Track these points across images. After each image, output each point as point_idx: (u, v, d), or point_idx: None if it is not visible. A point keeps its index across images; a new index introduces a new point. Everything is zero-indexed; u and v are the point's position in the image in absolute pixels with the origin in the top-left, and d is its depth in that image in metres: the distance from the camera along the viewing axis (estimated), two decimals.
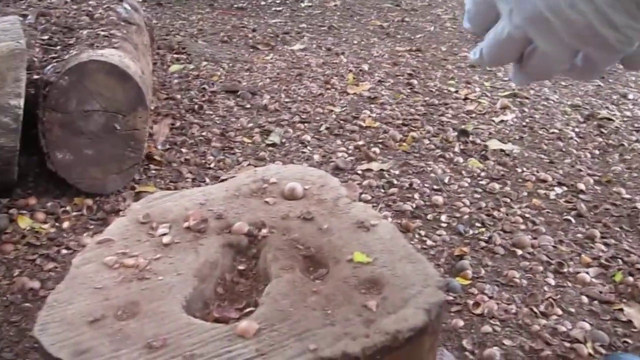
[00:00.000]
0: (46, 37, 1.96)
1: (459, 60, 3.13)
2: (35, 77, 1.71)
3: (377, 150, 2.13)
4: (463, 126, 2.34)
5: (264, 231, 0.92)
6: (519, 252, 1.62)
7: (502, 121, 2.44)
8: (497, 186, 1.94)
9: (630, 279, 1.53)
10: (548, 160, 2.15)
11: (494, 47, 0.53)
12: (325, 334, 0.72)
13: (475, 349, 1.30)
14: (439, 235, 1.69)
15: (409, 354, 0.74)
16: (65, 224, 1.64)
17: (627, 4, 0.46)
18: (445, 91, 2.70)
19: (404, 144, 2.19)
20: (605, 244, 1.68)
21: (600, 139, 2.33)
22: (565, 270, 1.56)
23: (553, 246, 1.66)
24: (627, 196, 1.94)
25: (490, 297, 1.45)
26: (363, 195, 1.84)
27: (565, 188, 1.97)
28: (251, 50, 3.15)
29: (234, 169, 1.96)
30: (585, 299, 1.47)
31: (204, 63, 2.88)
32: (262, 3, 4.11)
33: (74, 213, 1.69)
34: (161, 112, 2.30)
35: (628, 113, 2.60)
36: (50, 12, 2.17)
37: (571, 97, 2.73)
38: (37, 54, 1.83)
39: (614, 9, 0.45)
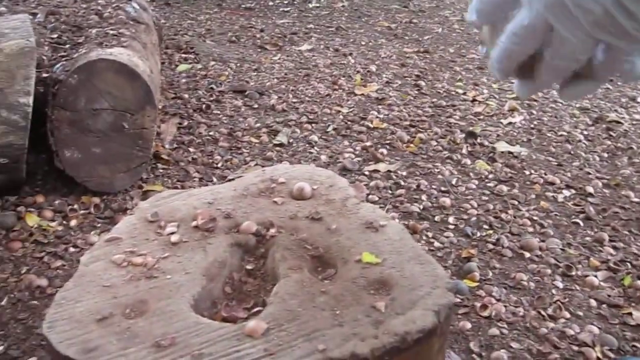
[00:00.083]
0: (55, 36, 1.97)
1: (467, 62, 3.12)
2: (45, 75, 1.71)
3: (385, 151, 2.13)
4: (471, 128, 2.34)
5: (272, 231, 0.91)
6: (527, 254, 1.61)
7: (510, 123, 2.43)
8: (505, 188, 1.94)
9: (639, 282, 1.52)
10: (556, 163, 2.14)
11: (514, 38, 0.52)
12: (334, 334, 0.72)
13: (482, 351, 1.30)
14: (447, 237, 1.68)
15: (417, 355, 0.74)
16: (73, 222, 1.64)
17: None
18: (453, 93, 2.69)
19: (412, 145, 2.19)
20: (614, 247, 1.67)
21: (609, 142, 2.32)
22: (573, 273, 1.55)
23: (561, 249, 1.65)
24: (636, 199, 1.93)
25: (498, 300, 1.45)
26: (370, 196, 1.83)
27: (573, 191, 1.96)
28: (259, 50, 3.15)
29: (241, 168, 1.96)
30: (593, 303, 1.46)
31: (212, 63, 2.88)
32: (270, 3, 4.12)
33: (82, 211, 1.69)
34: (169, 112, 2.30)
35: (637, 116, 2.58)
36: (60, 10, 2.18)
37: (579, 99, 2.72)
38: (46, 52, 1.84)
39: None
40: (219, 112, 2.37)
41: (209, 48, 3.10)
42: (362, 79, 2.77)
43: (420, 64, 3.03)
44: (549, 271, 1.55)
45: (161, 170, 1.92)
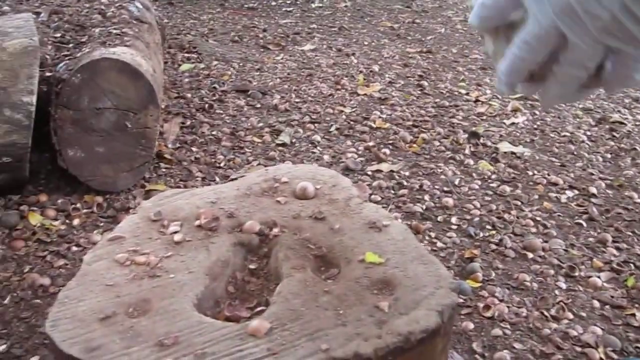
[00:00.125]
0: (59, 35, 1.97)
1: (470, 62, 3.12)
2: (48, 74, 1.71)
3: (387, 151, 2.12)
4: (474, 128, 2.33)
5: (275, 230, 0.91)
6: (530, 255, 1.61)
7: (513, 124, 2.42)
8: (507, 189, 1.93)
9: None
10: (559, 164, 2.14)
11: (525, 46, 0.52)
12: (337, 334, 0.72)
13: (485, 352, 1.29)
14: (449, 237, 1.68)
15: (421, 355, 0.74)
16: (76, 221, 1.64)
17: None
18: (456, 93, 2.69)
19: (415, 145, 2.19)
20: (617, 249, 1.67)
21: (612, 143, 2.31)
22: (576, 274, 1.55)
23: (564, 250, 1.65)
24: (639, 201, 1.92)
25: (501, 300, 1.44)
26: (373, 196, 1.83)
27: (576, 191, 1.96)
28: (262, 50, 3.15)
29: (243, 168, 1.96)
30: (596, 304, 1.45)
31: (215, 62, 2.88)
32: (273, 3, 4.12)
33: (85, 210, 1.69)
34: (172, 111, 2.30)
35: None
36: (63, 10, 2.18)
37: (583, 100, 2.71)
38: (49, 51, 1.84)
39: (639, 4, 0.46)
40: (221, 111, 2.37)
41: (211, 48, 3.10)
42: (364, 79, 2.77)
43: (423, 64, 3.03)
44: (552, 272, 1.55)
45: (164, 170, 1.92)
